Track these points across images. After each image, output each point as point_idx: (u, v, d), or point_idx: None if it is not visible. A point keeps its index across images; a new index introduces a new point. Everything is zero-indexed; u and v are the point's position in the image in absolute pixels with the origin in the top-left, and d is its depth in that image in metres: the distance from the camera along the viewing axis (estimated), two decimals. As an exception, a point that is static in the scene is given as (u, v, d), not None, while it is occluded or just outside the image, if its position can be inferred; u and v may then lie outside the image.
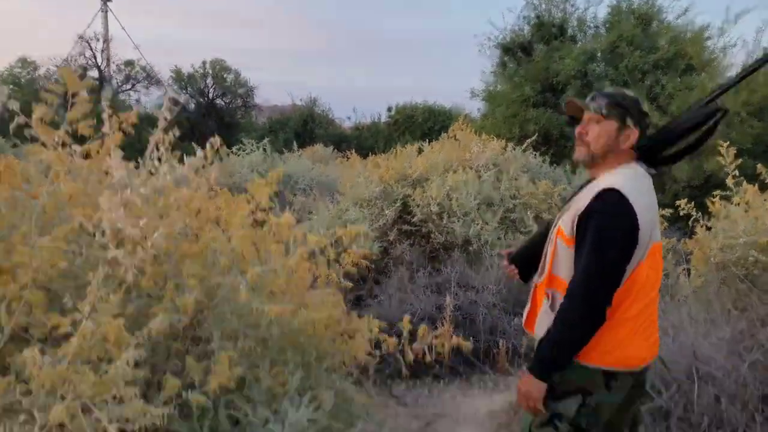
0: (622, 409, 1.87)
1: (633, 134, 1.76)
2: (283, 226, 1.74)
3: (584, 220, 1.67)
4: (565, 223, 1.75)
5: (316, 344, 2.41)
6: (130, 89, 27.88)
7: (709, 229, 3.78)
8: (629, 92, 1.82)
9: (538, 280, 1.88)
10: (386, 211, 5.54)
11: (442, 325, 3.96)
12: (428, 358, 2.89)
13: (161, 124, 1.81)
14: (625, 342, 1.72)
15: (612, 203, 1.64)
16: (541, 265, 1.88)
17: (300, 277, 2.04)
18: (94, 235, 1.63)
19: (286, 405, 1.74)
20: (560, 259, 1.77)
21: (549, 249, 1.84)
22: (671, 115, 8.49)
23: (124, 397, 1.21)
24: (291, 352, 2.26)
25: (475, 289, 4.98)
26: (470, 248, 5.45)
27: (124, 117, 1.79)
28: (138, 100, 27.85)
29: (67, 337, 1.38)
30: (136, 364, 1.42)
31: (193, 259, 1.77)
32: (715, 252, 3.73)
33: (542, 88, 11.37)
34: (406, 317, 2.55)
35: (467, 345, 2.45)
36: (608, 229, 1.63)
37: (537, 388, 1.74)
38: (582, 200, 1.72)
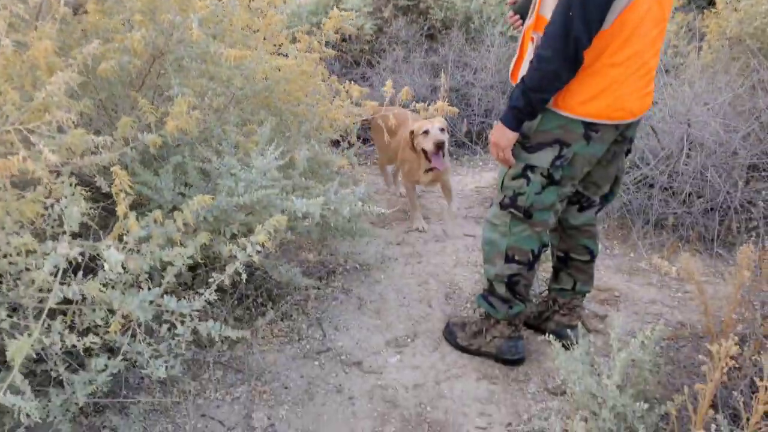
0: (602, 164, 1.82)
1: None
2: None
3: None
4: None
5: (293, 110, 2.32)
6: None
7: (732, -4, 3.45)
8: None
9: (527, 24, 1.69)
10: (380, -17, 5.05)
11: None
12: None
13: None
14: (611, 90, 1.58)
15: None
16: (531, 7, 1.67)
17: (266, 23, 1.85)
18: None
19: (255, 156, 1.70)
20: None
21: None
22: None
23: (63, 124, 1.13)
24: (265, 113, 2.17)
25: (472, 69, 4.75)
26: (471, 25, 5.08)
27: None
28: None
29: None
30: (76, 97, 1.32)
31: (138, -6, 1.57)
32: (732, 24, 3.47)
33: None
34: (389, 81, 2.42)
35: (453, 109, 2.34)
36: None
37: (506, 137, 1.66)
38: None
